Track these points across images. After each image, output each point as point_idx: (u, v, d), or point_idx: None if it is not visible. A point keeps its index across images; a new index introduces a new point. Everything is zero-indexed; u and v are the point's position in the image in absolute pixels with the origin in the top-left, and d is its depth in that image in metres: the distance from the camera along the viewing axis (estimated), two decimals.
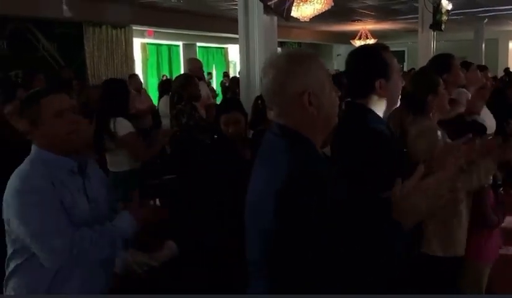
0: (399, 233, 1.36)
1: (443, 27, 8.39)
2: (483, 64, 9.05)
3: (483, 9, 11.52)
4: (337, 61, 18.98)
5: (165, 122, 6.37)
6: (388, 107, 2.05)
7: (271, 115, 1.51)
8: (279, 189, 1.31)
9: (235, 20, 4.46)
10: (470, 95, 3.76)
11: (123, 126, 3.78)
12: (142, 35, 12.64)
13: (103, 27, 10.37)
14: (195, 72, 5.58)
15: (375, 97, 2.00)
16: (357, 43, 13.69)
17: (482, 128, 3.12)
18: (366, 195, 1.51)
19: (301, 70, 1.46)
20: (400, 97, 2.10)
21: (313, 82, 1.46)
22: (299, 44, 17.88)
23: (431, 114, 2.62)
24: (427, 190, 1.36)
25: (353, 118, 2.04)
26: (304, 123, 1.46)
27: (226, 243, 2.67)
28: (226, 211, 2.72)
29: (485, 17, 12.99)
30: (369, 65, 2.03)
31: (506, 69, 13.19)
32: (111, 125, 3.75)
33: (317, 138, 1.50)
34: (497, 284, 3.41)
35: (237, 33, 4.48)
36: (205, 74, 14.64)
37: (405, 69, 15.01)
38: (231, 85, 10.34)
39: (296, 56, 1.52)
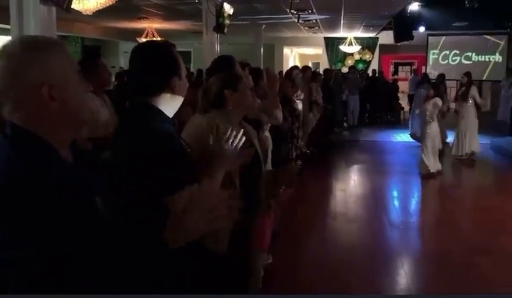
0: (164, 255, 1.27)
1: (226, 30, 8.79)
2: (262, 66, 9.78)
3: (261, 16, 12.43)
4: (124, 59, 18.57)
5: None
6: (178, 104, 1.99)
7: (5, 112, 1.26)
8: None
9: (8, 9, 3.98)
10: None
11: None
12: None
13: None
14: None
15: (167, 95, 1.90)
16: (144, 41, 13.57)
17: (259, 124, 3.33)
18: (141, 203, 1.37)
19: (40, 58, 1.25)
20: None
21: (55, 73, 1.26)
22: (82, 39, 17.08)
23: (229, 109, 2.59)
24: (202, 208, 1.30)
25: (135, 117, 1.89)
26: (44, 121, 1.25)
27: None
28: None
29: (263, 24, 14.03)
30: (162, 62, 1.91)
31: (280, 72, 14.48)
32: None
33: (61, 138, 1.31)
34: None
35: (9, 24, 3.99)
36: None
37: (192, 69, 15.43)
38: None
39: (35, 42, 1.31)
